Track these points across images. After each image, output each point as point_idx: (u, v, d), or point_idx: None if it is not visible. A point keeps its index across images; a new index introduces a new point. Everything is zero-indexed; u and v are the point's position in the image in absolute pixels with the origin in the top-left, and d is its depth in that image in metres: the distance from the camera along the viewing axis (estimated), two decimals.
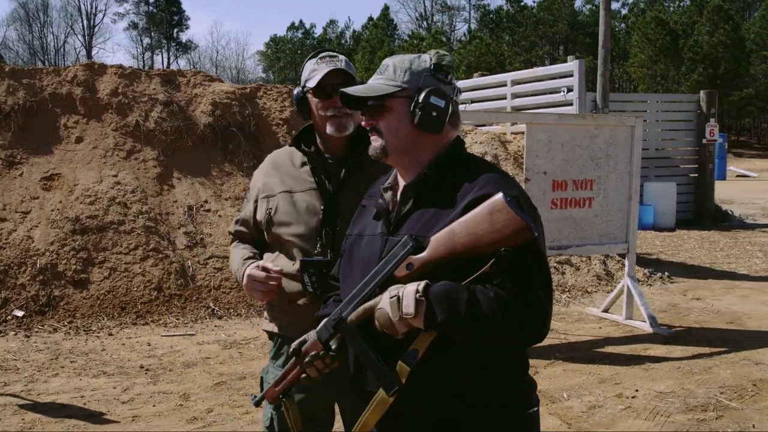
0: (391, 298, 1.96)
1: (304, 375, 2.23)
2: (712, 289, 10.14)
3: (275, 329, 3.01)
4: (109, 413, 5.63)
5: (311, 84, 2.89)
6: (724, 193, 22.13)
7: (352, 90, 2.27)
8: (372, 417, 2.06)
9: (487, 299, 1.91)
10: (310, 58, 3.00)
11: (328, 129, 2.89)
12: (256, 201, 3.05)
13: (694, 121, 16.96)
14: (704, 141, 16.71)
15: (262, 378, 3.05)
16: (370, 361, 2.05)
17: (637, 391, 6.01)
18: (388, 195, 2.31)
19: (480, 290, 1.94)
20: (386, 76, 2.24)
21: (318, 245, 2.84)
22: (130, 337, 7.71)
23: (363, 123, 2.32)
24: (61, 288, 8.45)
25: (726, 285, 10.40)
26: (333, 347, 2.20)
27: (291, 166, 3.01)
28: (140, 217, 9.36)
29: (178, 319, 8.30)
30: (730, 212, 17.64)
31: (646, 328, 7.88)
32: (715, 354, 7.03)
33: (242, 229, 3.13)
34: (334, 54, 2.97)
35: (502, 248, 1.93)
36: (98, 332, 7.85)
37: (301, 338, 2.25)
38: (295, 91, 3.01)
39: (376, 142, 2.26)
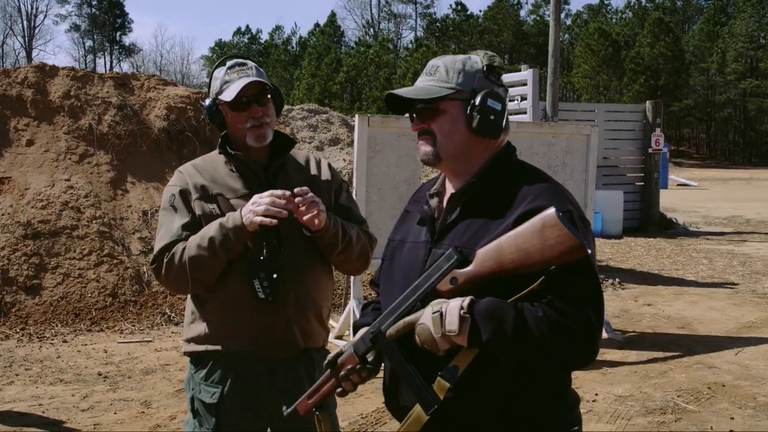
0: (433, 313, 1.87)
1: (339, 389, 2.11)
2: (662, 295, 10.35)
3: (206, 347, 2.79)
4: (69, 421, 5.53)
5: (226, 97, 2.77)
6: (668, 201, 22.58)
7: (402, 92, 2.14)
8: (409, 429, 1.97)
9: (535, 319, 1.84)
10: (217, 67, 2.90)
11: (249, 140, 2.80)
12: (189, 203, 2.79)
13: (639, 130, 17.32)
14: (650, 150, 17.06)
15: (192, 396, 2.83)
16: (410, 377, 1.97)
17: (596, 394, 6.10)
18: (434, 201, 2.20)
19: (528, 309, 1.86)
20: (438, 78, 2.12)
21: (264, 251, 2.70)
22: (86, 344, 7.58)
23: (412, 128, 2.20)
24: (13, 294, 8.27)
25: (675, 291, 10.62)
26: (369, 360, 2.10)
27: (215, 172, 2.86)
28: (94, 222, 9.21)
29: (134, 326, 8.19)
30: (674, 220, 18.01)
31: (602, 333, 7.98)
32: (669, 358, 7.17)
33: (188, 233, 2.76)
34: (243, 61, 2.87)
35: (552, 266, 1.85)
36: (52, 339, 7.70)
37: (337, 350, 2.14)
38: (207, 103, 2.88)
39: (426, 147, 2.14)
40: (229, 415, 2.76)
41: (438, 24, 72.03)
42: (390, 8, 75.17)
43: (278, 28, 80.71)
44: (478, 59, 2.14)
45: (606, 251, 14.11)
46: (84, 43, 72.46)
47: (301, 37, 73.25)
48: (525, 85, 12.53)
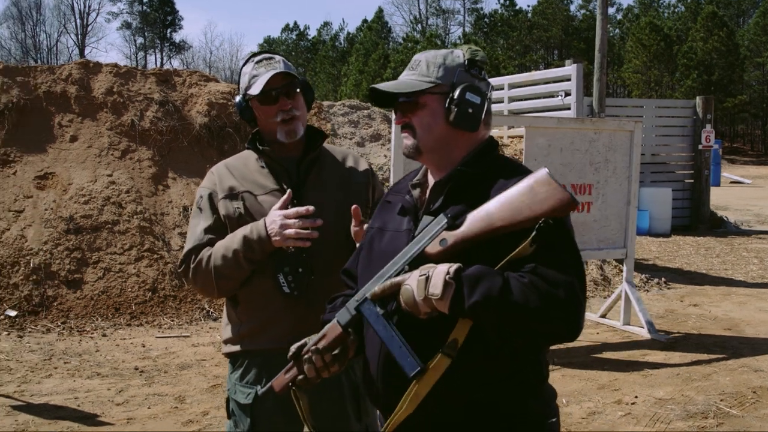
0: (420, 275, 1.85)
1: (300, 376, 2.10)
2: (709, 295, 10.11)
3: (239, 348, 2.80)
4: (103, 415, 5.56)
5: (254, 91, 2.74)
6: (719, 199, 22.13)
7: (383, 86, 2.16)
8: (405, 412, 1.91)
9: (521, 286, 1.81)
10: (245, 63, 2.88)
11: (279, 136, 2.77)
12: (214, 205, 2.80)
13: (690, 126, 16.94)
14: (700, 147, 16.70)
15: (228, 398, 2.85)
16: (394, 342, 1.92)
17: (636, 397, 5.96)
18: (416, 192, 2.21)
19: (514, 277, 1.83)
20: (419, 72, 2.14)
21: (290, 248, 2.67)
22: (125, 338, 7.63)
23: (394, 121, 2.24)
24: (55, 288, 8.36)
25: (723, 291, 10.37)
26: (351, 337, 2.08)
27: (246, 169, 2.84)
28: (135, 217, 9.28)
29: (172, 321, 8.23)
30: (725, 219, 17.61)
31: (644, 333, 7.83)
32: (713, 361, 6.98)
33: (211, 236, 2.77)
34: (270, 56, 2.85)
35: (542, 220, 1.85)
36: (92, 333, 7.77)
37: (301, 342, 2.12)
38: (237, 100, 2.86)
39: (408, 140, 2.16)
40: (263, 416, 2.73)
41: (486, 19, 71.59)
42: (438, 3, 74.86)
43: (326, 24, 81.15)
44: (460, 53, 2.16)
45: (653, 250, 13.85)
46: (135, 41, 73.48)
47: (348, 33, 73.48)
48: (569, 80, 12.35)
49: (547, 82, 14.04)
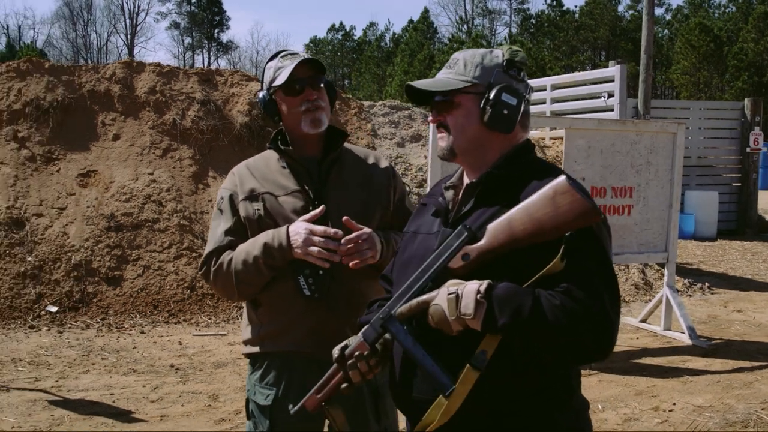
0: (449, 294, 1.82)
1: (345, 385, 2.06)
2: (754, 301, 9.89)
3: (259, 349, 2.80)
4: (137, 412, 5.60)
5: (280, 81, 2.72)
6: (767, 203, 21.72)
7: (419, 83, 2.14)
8: (437, 424, 1.88)
9: (552, 307, 1.78)
10: (270, 60, 2.85)
11: (303, 126, 2.74)
12: (234, 206, 2.78)
13: (737, 129, 16.60)
14: (748, 150, 16.35)
15: (248, 399, 2.85)
16: (423, 360, 1.89)
17: (674, 404, 5.84)
18: (449, 194, 2.17)
19: (545, 296, 1.80)
20: (456, 71, 2.11)
21: None
22: (162, 336, 7.69)
23: (429, 119, 2.20)
24: (95, 284, 8.46)
25: None
26: (379, 349, 2.05)
27: (267, 170, 2.82)
28: (175, 215, 9.36)
29: (210, 319, 8.28)
30: None
31: (685, 339, 7.69)
32: (756, 368, 6.82)
33: (231, 238, 2.76)
34: (294, 52, 2.84)
35: (566, 233, 1.82)
36: (130, 330, 7.85)
37: (342, 344, 2.10)
38: (261, 95, 2.84)
39: (443, 141, 2.13)
40: (282, 417, 2.71)
41: (533, 20, 71.04)
42: (485, 4, 74.49)
43: (372, 24, 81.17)
44: (499, 53, 2.12)
45: (698, 254, 13.60)
46: (183, 41, 74.23)
47: (394, 34, 73.40)
48: (613, 81, 12.20)
49: (590, 83, 13.89)
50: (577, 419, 2.05)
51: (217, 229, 2.80)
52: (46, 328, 7.75)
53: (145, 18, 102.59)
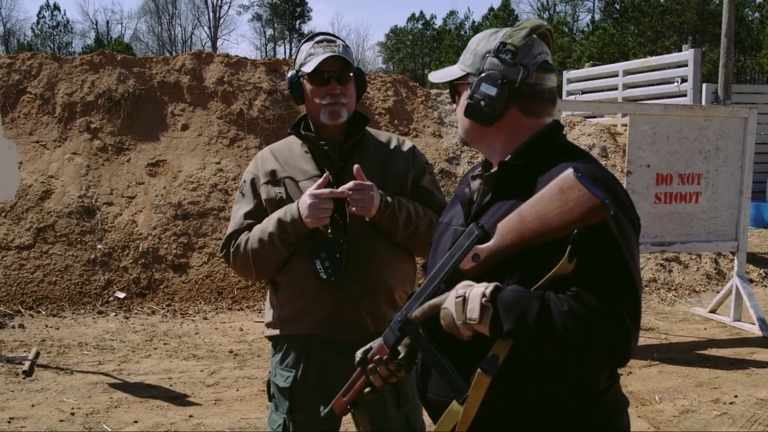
0: (457, 297, 1.75)
1: (368, 389, 2.03)
2: None
3: (279, 332, 2.82)
4: (192, 395, 5.70)
5: (307, 69, 2.74)
6: None
7: (433, 74, 2.12)
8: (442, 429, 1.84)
9: (560, 313, 1.67)
10: (306, 41, 2.86)
11: (322, 117, 2.77)
12: (256, 190, 2.82)
13: None
14: None
15: (269, 381, 2.87)
16: (438, 364, 1.85)
17: (736, 396, 5.65)
18: (475, 183, 2.06)
19: (554, 301, 1.69)
20: (461, 59, 2.04)
21: (328, 231, 2.67)
22: (224, 322, 7.82)
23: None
24: (162, 271, 8.65)
25: None
26: (401, 355, 1.99)
27: (290, 154, 2.85)
28: None
29: None
30: None
31: (755, 331, 7.43)
32: None
33: (251, 221, 2.82)
34: (332, 38, 2.83)
35: (575, 230, 1.68)
36: (194, 316, 8.00)
37: (366, 347, 2.06)
38: (289, 74, 2.86)
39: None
40: (301, 399, 2.75)
41: (617, 5, 69.51)
42: None
43: (452, 13, 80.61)
44: (499, 35, 1.97)
45: None
46: (265, 32, 75.14)
47: (474, 22, 72.80)
48: (686, 66, 11.86)
49: (663, 68, 13.52)
50: (606, 424, 1.92)
51: (238, 212, 2.84)
52: (113, 313, 7.96)
53: (228, 11, 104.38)
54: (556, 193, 1.71)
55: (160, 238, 8.91)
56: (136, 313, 7.99)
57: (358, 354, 2.06)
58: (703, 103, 12.51)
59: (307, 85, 2.80)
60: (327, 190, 2.61)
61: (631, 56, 45.50)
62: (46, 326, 7.49)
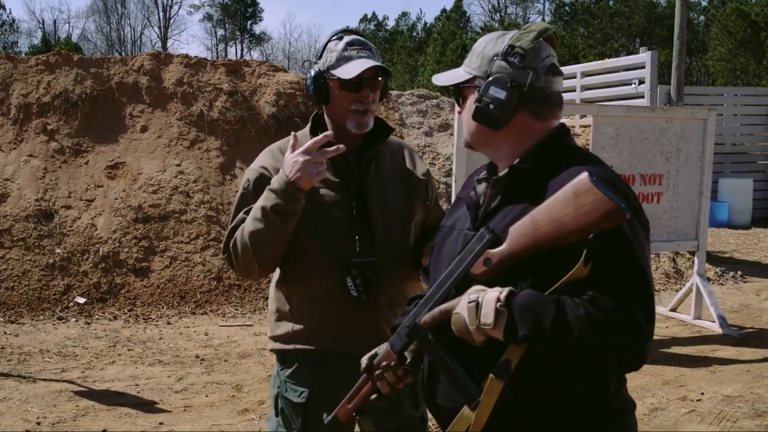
0: (469, 302, 1.73)
1: (374, 396, 2.01)
2: None
3: (293, 346, 2.68)
4: (161, 402, 5.62)
5: (343, 75, 2.58)
6: None
7: (437, 78, 2.10)
8: None
9: (576, 317, 1.67)
10: (334, 39, 2.68)
11: (349, 125, 2.62)
12: (262, 189, 2.56)
13: None
14: None
15: (278, 394, 2.74)
16: (449, 369, 1.83)
17: (702, 394, 5.75)
18: (481, 187, 2.05)
19: (569, 306, 1.69)
20: (466, 61, 2.02)
21: (357, 246, 2.58)
22: (188, 327, 7.72)
23: (456, 111, 2.15)
24: (123, 276, 8.52)
25: None
26: (408, 360, 1.97)
27: None
28: (202, 206, 9.39)
29: (236, 310, 8.30)
30: None
31: (716, 328, 7.56)
32: None
33: None
34: (363, 41, 2.67)
35: (590, 235, 1.68)
36: (157, 321, 7.89)
37: (371, 352, 2.04)
38: (313, 72, 2.67)
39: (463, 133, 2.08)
40: (316, 416, 2.64)
41: (567, 8, 70.31)
42: None
43: (404, 14, 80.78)
44: (507, 38, 1.96)
45: (731, 242, 13.39)
46: (216, 33, 74.50)
47: (425, 24, 73.03)
48: (643, 68, 12.03)
49: (620, 70, 13.71)
50: (618, 425, 1.93)
51: (239, 210, 2.67)
52: (74, 319, 7.81)
53: (178, 11, 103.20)
54: (571, 197, 1.71)
55: (120, 242, 8.78)
56: (97, 319, 7.85)
57: (364, 360, 2.03)
58: (657, 104, 12.70)
59: (338, 89, 2.63)
60: (310, 142, 2.44)
61: (581, 58, 46.02)
62: (5, 333, 7.33)
